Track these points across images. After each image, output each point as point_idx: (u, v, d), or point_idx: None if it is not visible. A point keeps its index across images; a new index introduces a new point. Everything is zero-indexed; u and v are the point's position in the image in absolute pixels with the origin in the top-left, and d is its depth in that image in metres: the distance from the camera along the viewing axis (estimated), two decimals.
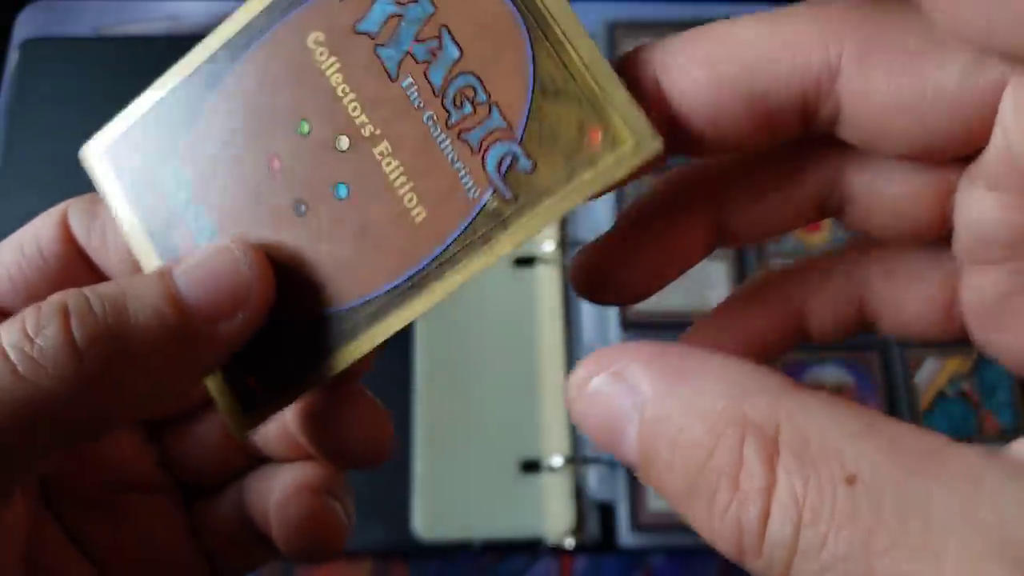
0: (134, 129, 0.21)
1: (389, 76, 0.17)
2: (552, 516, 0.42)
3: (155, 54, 0.51)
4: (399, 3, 0.17)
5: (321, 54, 0.18)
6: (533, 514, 0.42)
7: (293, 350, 0.19)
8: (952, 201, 0.17)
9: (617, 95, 0.16)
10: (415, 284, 0.17)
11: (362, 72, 0.17)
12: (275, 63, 0.18)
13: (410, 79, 0.17)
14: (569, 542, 0.42)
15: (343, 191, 0.18)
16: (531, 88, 0.16)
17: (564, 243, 0.47)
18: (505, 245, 0.16)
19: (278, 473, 0.22)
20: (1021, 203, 0.17)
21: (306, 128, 0.18)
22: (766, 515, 0.13)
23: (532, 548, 0.42)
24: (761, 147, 0.17)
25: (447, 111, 0.17)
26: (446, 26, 0.17)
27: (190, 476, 0.23)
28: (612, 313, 0.45)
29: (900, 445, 0.13)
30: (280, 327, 0.19)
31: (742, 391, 0.14)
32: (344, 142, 0.18)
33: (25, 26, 0.53)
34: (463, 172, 0.17)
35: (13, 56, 0.51)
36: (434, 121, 0.17)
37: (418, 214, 0.17)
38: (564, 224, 0.48)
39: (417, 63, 0.17)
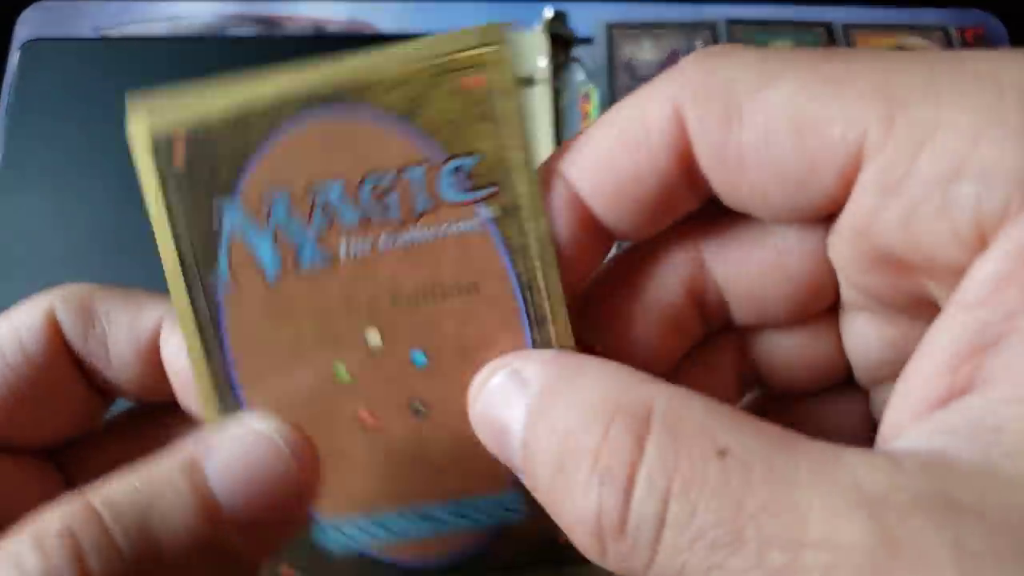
0: None
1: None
2: None
3: (156, 55, 0.51)
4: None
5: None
6: None
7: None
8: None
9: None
10: None
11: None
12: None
13: None
14: None
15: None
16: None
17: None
18: None
19: None
20: (880, 318, 0.18)
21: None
22: (629, 489, 0.13)
23: None
24: (663, 224, 0.18)
25: None
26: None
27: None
28: None
29: (768, 430, 0.13)
30: None
31: (622, 384, 0.15)
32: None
33: (26, 27, 0.53)
34: None
35: (14, 57, 0.51)
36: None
37: None
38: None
39: None
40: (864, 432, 0.19)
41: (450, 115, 0.17)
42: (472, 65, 0.17)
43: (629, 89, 0.49)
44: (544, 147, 0.47)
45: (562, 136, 0.49)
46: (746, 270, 0.18)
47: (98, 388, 0.21)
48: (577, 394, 0.15)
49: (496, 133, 0.17)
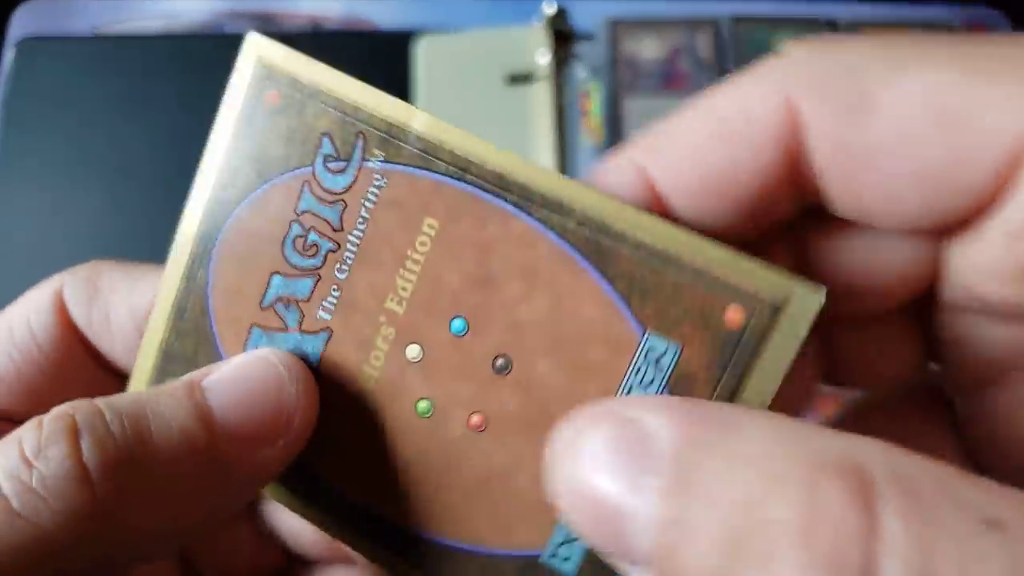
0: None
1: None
2: None
3: (152, 52, 0.51)
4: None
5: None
6: None
7: None
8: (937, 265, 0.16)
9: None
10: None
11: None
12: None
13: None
14: None
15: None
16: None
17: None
18: None
19: None
20: (989, 321, 0.15)
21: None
22: (869, 570, 0.10)
23: None
24: (757, 227, 0.16)
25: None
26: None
27: None
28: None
29: (1019, 494, 0.10)
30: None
31: (803, 435, 0.11)
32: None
33: (21, 25, 0.52)
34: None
35: (9, 55, 0.50)
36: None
37: None
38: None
39: None
40: (944, 444, 0.17)
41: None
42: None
43: (631, 86, 0.49)
44: (544, 146, 0.47)
45: (563, 134, 0.48)
46: (846, 269, 0.16)
47: (108, 369, 0.20)
48: (745, 449, 0.11)
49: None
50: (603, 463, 0.12)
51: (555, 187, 0.15)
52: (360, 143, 0.17)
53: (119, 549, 0.14)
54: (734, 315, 0.14)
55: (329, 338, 0.17)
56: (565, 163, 0.48)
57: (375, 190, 0.17)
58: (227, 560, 0.21)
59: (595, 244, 0.15)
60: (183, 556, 0.21)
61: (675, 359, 0.15)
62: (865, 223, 0.15)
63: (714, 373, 0.14)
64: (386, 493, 0.17)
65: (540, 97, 0.48)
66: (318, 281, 0.17)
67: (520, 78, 0.49)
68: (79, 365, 0.19)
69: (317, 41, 0.51)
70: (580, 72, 0.50)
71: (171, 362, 0.18)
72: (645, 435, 0.12)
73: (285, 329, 0.17)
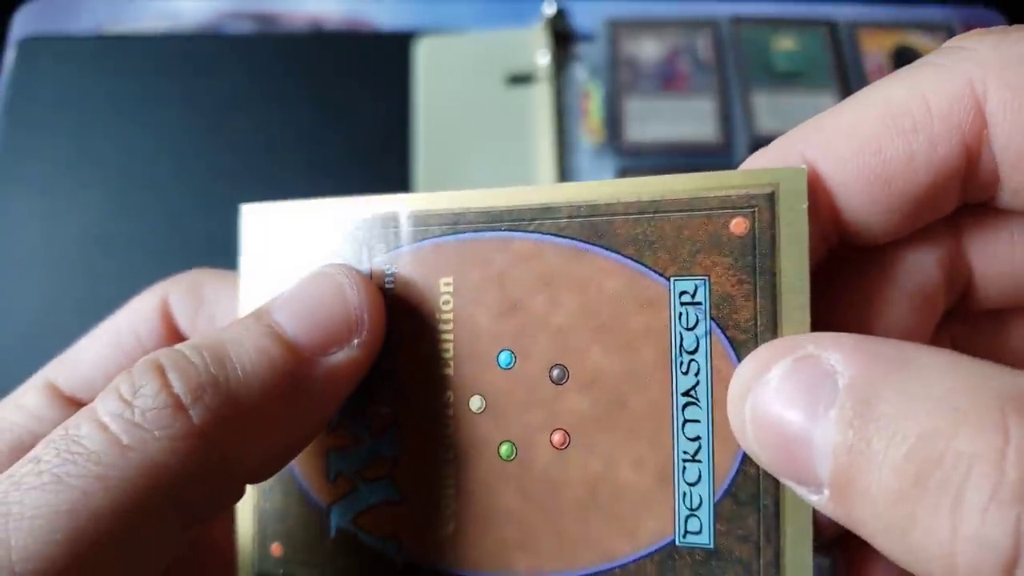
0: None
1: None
2: None
3: (153, 52, 0.51)
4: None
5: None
6: None
7: None
8: None
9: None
10: None
11: None
12: None
13: None
14: None
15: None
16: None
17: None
18: None
19: None
20: None
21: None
22: None
23: None
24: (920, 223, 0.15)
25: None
26: None
27: None
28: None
29: None
30: None
31: (982, 371, 0.11)
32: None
33: (22, 24, 0.52)
34: None
35: (10, 54, 0.51)
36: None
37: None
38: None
39: None
40: None
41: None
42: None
43: (631, 86, 0.49)
44: (544, 146, 0.47)
45: (563, 134, 0.48)
46: (1005, 257, 0.16)
47: None
48: (924, 384, 0.11)
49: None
50: (785, 395, 0.12)
51: (536, 197, 0.16)
52: (366, 250, 0.18)
53: (223, 469, 0.15)
54: (738, 224, 0.15)
55: (399, 429, 0.17)
56: (565, 163, 0.48)
57: (390, 280, 0.17)
58: None
59: (590, 227, 0.16)
60: None
61: (707, 290, 0.15)
62: None
63: (747, 283, 0.15)
64: (509, 553, 0.17)
65: (540, 97, 0.48)
66: (368, 385, 0.17)
67: (520, 79, 0.49)
68: None
69: (317, 42, 0.51)
70: (580, 72, 0.50)
71: (266, 521, 0.19)
72: (823, 370, 0.12)
73: (358, 442, 0.18)
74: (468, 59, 0.49)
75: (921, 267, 0.16)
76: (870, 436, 0.11)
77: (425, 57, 0.49)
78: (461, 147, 0.48)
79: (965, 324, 0.17)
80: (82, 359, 0.20)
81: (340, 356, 0.16)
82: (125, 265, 0.45)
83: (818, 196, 0.15)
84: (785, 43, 0.50)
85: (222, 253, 0.44)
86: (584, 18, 0.51)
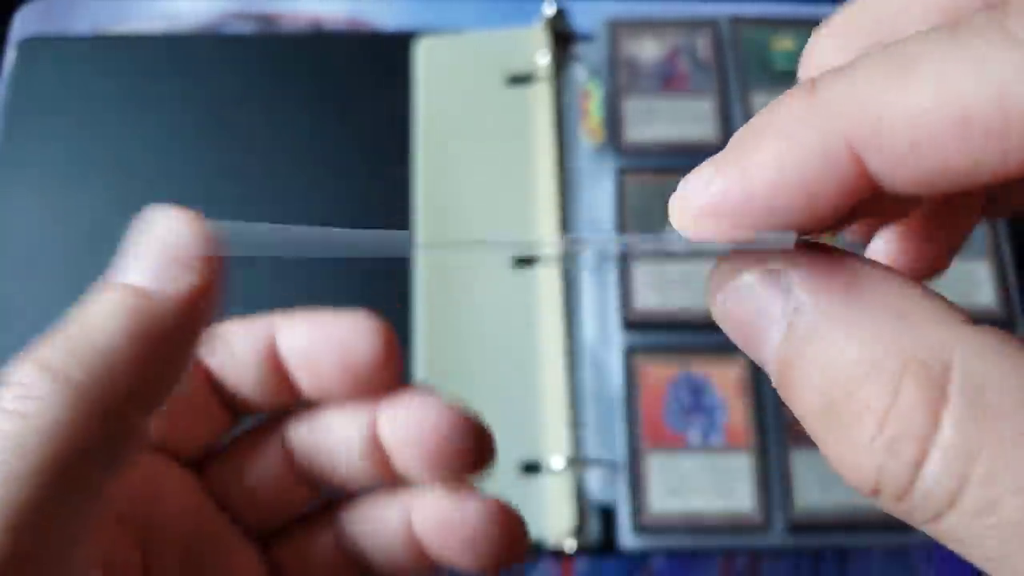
0: None
1: None
2: (552, 518, 0.42)
3: (153, 53, 0.51)
4: None
5: None
6: (533, 516, 0.42)
7: None
8: None
9: None
10: None
11: None
12: None
13: None
14: (570, 544, 0.41)
15: None
16: None
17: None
18: None
19: (393, 502, 0.21)
20: None
21: None
22: (919, 463, 0.12)
23: (532, 550, 0.42)
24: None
25: None
26: None
27: (251, 521, 0.22)
28: (612, 312, 0.45)
29: None
30: None
31: (912, 321, 0.12)
32: None
33: (22, 25, 0.52)
34: None
35: (10, 55, 0.51)
36: None
37: None
38: (564, 223, 0.48)
39: None
40: None
41: None
42: None
43: (631, 86, 0.49)
44: (544, 147, 0.47)
45: (563, 134, 0.48)
46: None
47: (227, 404, 0.22)
48: (859, 326, 0.13)
49: None
50: (749, 301, 0.14)
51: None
52: None
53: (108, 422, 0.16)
54: None
55: None
56: (565, 163, 0.48)
57: None
58: (254, 500, 0.22)
59: None
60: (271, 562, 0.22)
61: None
62: None
63: None
64: None
65: (540, 98, 0.48)
66: None
67: (520, 79, 0.49)
68: (202, 399, 0.21)
69: (318, 42, 0.51)
70: (580, 73, 0.50)
71: None
72: (784, 286, 0.14)
73: None
74: (468, 59, 0.49)
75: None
76: (804, 360, 0.13)
77: (425, 57, 0.49)
78: (461, 147, 0.48)
79: None
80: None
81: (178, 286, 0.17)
82: None
83: (858, 182, 0.13)
84: (785, 43, 0.50)
85: None
86: (584, 18, 0.51)
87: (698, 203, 0.14)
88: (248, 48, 0.50)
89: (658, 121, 0.48)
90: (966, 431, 0.11)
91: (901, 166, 0.12)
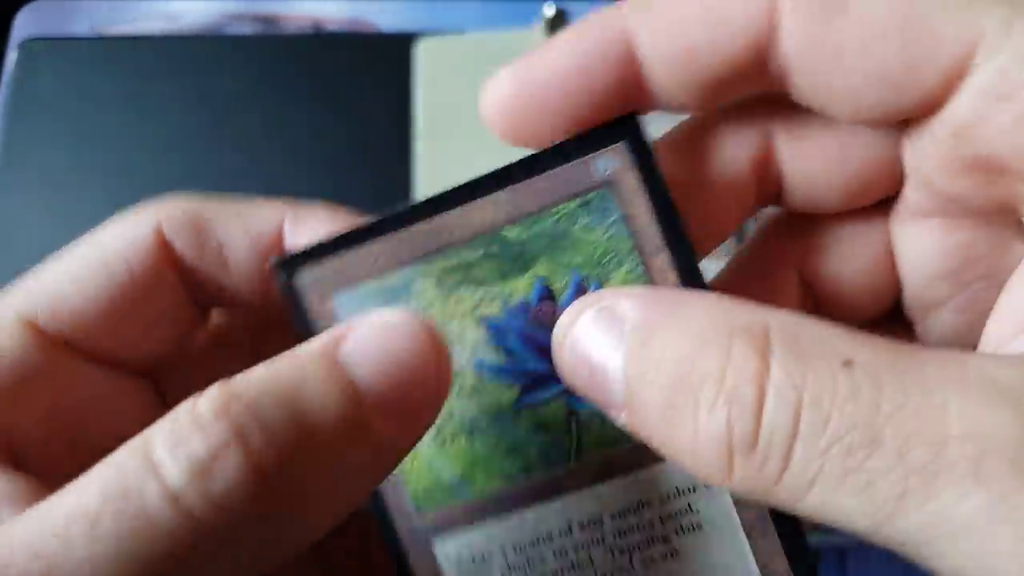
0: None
1: None
2: None
3: (154, 53, 0.51)
4: None
5: None
6: None
7: None
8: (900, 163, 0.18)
9: None
10: None
11: None
12: None
13: None
14: None
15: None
16: None
17: None
18: None
19: None
20: (948, 224, 0.18)
21: None
22: (759, 404, 0.13)
23: None
24: (718, 102, 0.18)
25: None
26: None
27: None
28: None
29: (885, 343, 0.14)
30: None
31: (730, 309, 0.15)
32: None
33: (24, 25, 0.52)
34: None
35: (12, 56, 0.51)
36: None
37: None
38: None
39: None
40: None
41: None
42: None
43: None
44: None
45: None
46: (812, 156, 0.18)
47: (202, 300, 0.20)
48: (684, 322, 0.14)
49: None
50: (590, 338, 0.16)
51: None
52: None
53: (285, 533, 0.14)
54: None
55: None
56: None
57: None
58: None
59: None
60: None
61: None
62: (828, 115, 0.17)
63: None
64: None
65: None
66: None
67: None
68: (173, 299, 0.19)
69: (318, 43, 0.51)
70: None
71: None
72: (618, 315, 0.15)
73: None
74: (468, 60, 0.49)
75: (731, 165, 0.18)
76: (645, 365, 0.15)
77: (426, 58, 0.49)
78: (461, 148, 0.48)
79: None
80: (63, 292, 0.19)
81: (405, 422, 0.15)
82: None
83: (627, 68, 0.17)
84: None
85: None
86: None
87: (493, 98, 0.17)
88: (248, 48, 0.50)
89: (658, 120, 0.48)
90: (790, 368, 0.13)
91: (663, 42, 0.16)
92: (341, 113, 0.49)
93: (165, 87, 0.49)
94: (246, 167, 0.48)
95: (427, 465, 0.18)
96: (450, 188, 0.18)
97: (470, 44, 0.49)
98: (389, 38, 0.51)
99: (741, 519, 0.17)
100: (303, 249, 0.18)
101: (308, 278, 0.18)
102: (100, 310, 0.19)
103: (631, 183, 0.17)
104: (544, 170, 0.17)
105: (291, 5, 0.53)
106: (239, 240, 0.19)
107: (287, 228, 0.19)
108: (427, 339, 0.15)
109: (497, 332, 0.18)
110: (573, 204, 0.17)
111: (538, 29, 0.49)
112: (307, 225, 0.19)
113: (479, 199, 0.18)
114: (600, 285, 0.17)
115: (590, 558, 0.18)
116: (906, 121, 0.16)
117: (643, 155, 0.17)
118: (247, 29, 0.52)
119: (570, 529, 0.18)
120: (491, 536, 0.18)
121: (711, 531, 0.17)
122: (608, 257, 0.17)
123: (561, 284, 0.18)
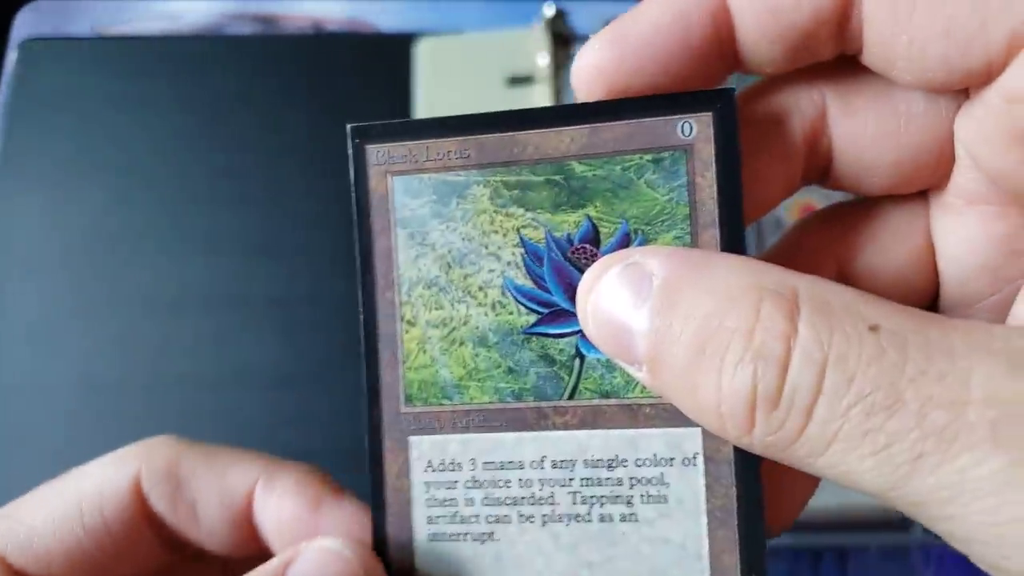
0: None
1: None
2: None
3: (154, 54, 0.51)
4: None
5: None
6: None
7: None
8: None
9: None
10: None
11: None
12: None
13: None
14: None
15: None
16: None
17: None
18: None
19: None
20: (992, 214, 0.18)
21: None
22: (785, 362, 0.14)
23: None
24: (797, 64, 0.18)
25: None
26: None
27: None
28: None
29: (912, 311, 0.14)
30: None
31: (759, 270, 0.15)
32: None
33: (24, 26, 0.53)
34: None
35: (11, 56, 0.51)
36: None
37: None
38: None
39: None
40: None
41: None
42: None
43: None
44: None
45: None
46: (864, 131, 0.18)
47: (171, 546, 0.21)
48: (713, 280, 0.15)
49: None
50: (615, 291, 0.16)
51: None
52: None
53: None
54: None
55: None
56: None
57: None
58: None
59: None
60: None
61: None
62: (892, 77, 0.17)
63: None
64: None
65: (540, 99, 0.48)
66: None
67: (520, 80, 0.49)
68: (145, 547, 0.20)
69: (318, 43, 0.51)
70: None
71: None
72: (644, 272, 0.15)
73: None
74: (468, 60, 0.49)
75: (785, 134, 0.18)
76: (671, 321, 0.15)
77: (425, 58, 0.49)
78: None
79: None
80: (37, 531, 0.20)
81: None
82: (126, 266, 0.46)
83: (720, 19, 0.17)
84: None
85: (222, 252, 0.45)
86: (584, 19, 0.51)
87: (589, 57, 0.17)
88: (248, 49, 0.50)
89: None
90: (817, 328, 0.14)
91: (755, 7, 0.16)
92: (341, 113, 0.49)
93: (165, 87, 0.49)
94: (245, 166, 0.48)
95: (430, 359, 0.19)
96: (535, 108, 0.18)
97: (470, 44, 0.50)
98: (389, 38, 0.51)
99: (708, 504, 0.17)
100: (381, 123, 0.19)
101: (376, 151, 0.19)
102: (70, 553, 0.19)
103: (707, 154, 0.17)
104: (631, 117, 0.18)
105: (291, 5, 0.53)
106: (212, 498, 0.20)
107: (259, 489, 0.20)
108: (364, 567, 0.18)
109: (534, 257, 0.18)
110: (647, 157, 0.18)
111: (538, 29, 0.49)
112: (281, 486, 0.20)
113: (560, 127, 0.18)
114: (644, 241, 0.18)
115: (552, 496, 0.18)
116: (963, 92, 0.16)
117: (728, 130, 0.17)
118: (247, 29, 0.52)
119: (542, 463, 0.18)
120: (466, 446, 0.19)
121: (675, 507, 0.18)
122: (662, 218, 0.18)
123: (609, 230, 0.18)
